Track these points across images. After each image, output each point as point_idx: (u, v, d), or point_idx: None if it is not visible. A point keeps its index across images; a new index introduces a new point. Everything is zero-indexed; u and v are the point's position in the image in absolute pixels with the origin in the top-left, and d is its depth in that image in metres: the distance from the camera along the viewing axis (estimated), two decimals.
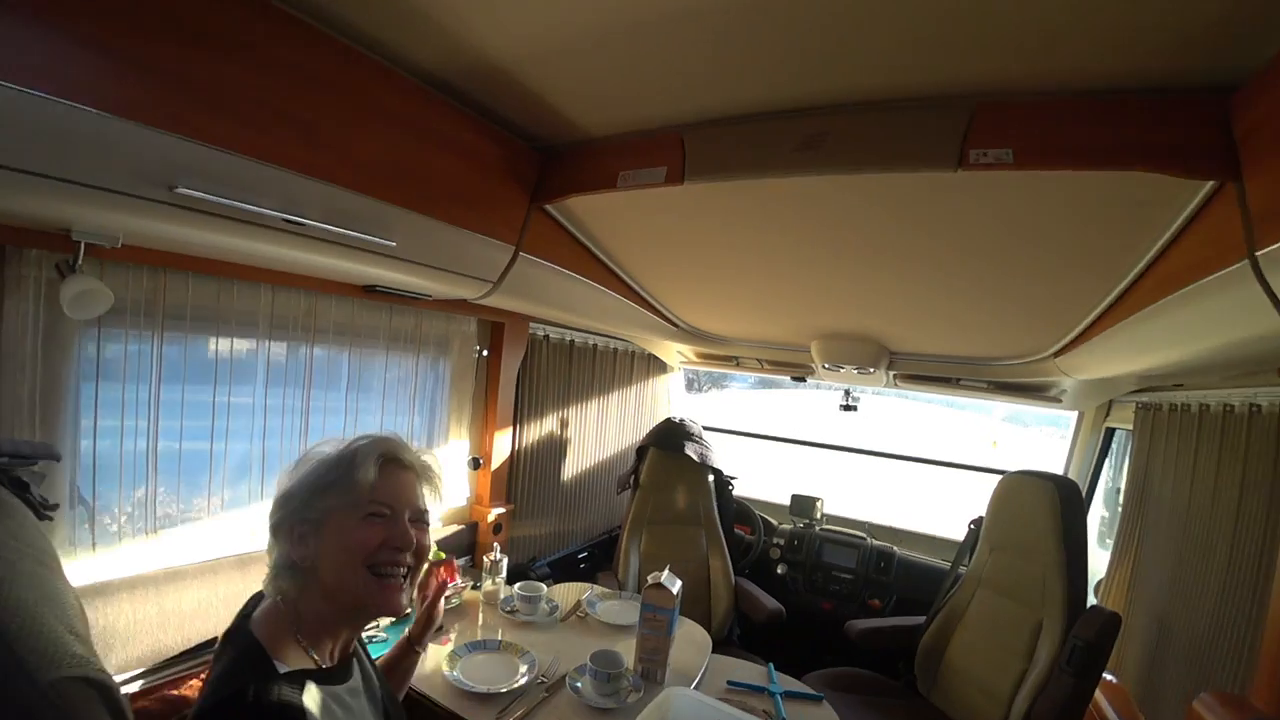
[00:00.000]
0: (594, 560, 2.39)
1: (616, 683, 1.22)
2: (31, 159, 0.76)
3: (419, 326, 1.69)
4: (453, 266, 1.33)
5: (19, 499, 0.59)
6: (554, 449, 2.24)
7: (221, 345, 1.26)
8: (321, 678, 0.75)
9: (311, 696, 0.71)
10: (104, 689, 0.42)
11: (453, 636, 1.42)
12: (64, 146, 0.77)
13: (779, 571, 2.42)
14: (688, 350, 2.48)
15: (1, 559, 0.44)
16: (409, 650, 1.11)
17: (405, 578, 0.83)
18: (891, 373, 2.14)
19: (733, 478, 2.39)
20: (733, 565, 2.19)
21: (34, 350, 1.01)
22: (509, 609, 1.52)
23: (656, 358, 2.81)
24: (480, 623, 1.51)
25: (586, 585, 1.76)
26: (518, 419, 2.04)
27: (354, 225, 1.09)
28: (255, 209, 0.97)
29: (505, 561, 1.63)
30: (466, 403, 1.87)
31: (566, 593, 1.71)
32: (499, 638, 1.36)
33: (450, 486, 1.84)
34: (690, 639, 1.54)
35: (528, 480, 2.11)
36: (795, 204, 1.21)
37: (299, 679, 0.71)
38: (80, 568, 1.08)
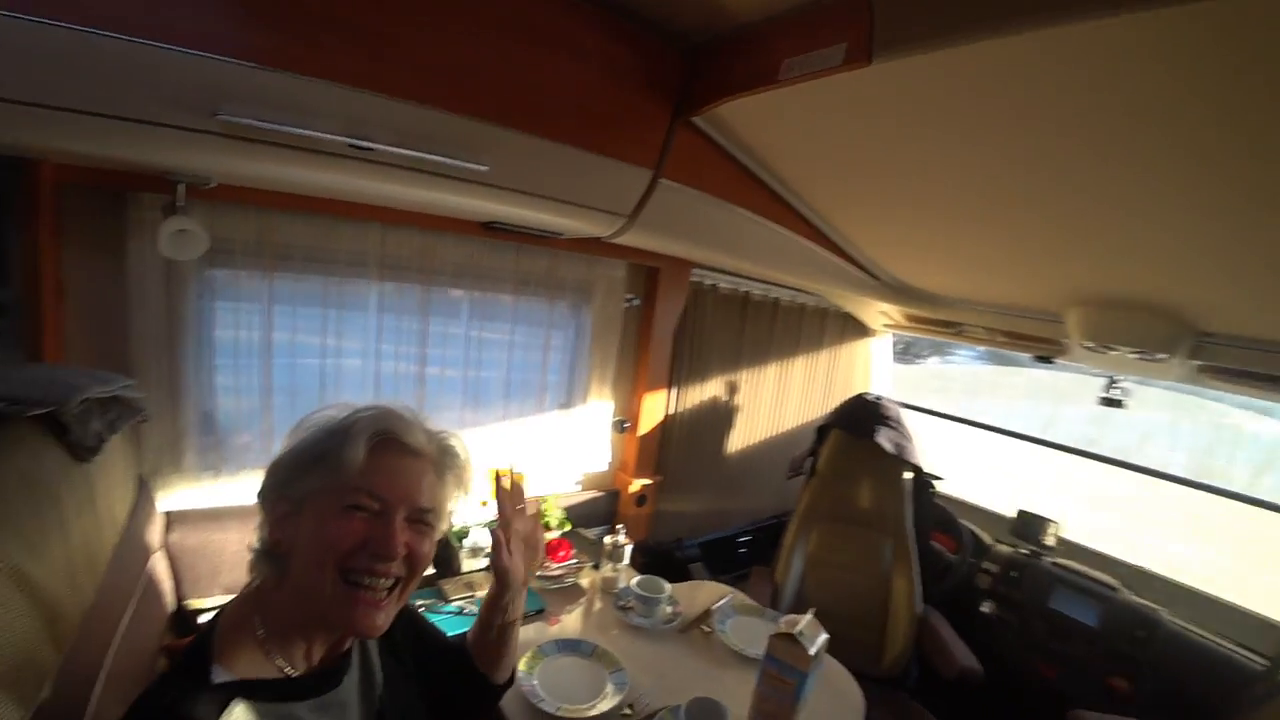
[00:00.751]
0: (756, 548, 2.11)
1: None
2: (82, 97, 0.71)
3: (553, 269, 1.51)
4: (570, 196, 1.13)
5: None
6: (718, 417, 1.97)
7: (331, 286, 1.22)
8: (272, 690, 0.62)
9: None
10: None
11: (563, 619, 1.31)
12: (113, 80, 0.71)
13: (984, 609, 1.85)
14: (893, 311, 1.95)
15: None
16: (494, 617, 0.85)
17: (391, 591, 0.66)
18: (1195, 362, 1.39)
19: (937, 478, 1.87)
20: (923, 589, 1.74)
21: (157, 289, 1.04)
22: (622, 604, 1.34)
23: (854, 318, 2.29)
24: (588, 612, 1.36)
25: (726, 590, 1.50)
26: (674, 379, 1.81)
27: (434, 148, 0.92)
28: (310, 133, 0.84)
29: (629, 548, 1.45)
30: (611, 357, 1.69)
31: (696, 596, 1.46)
32: (594, 642, 1.20)
33: (589, 448, 1.72)
34: (837, 692, 1.21)
35: (683, 450, 1.89)
36: (1051, 91, 0.70)
37: (228, 695, 0.58)
38: (201, 494, 1.17)
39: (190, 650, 0.63)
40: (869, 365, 2.46)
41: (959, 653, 1.57)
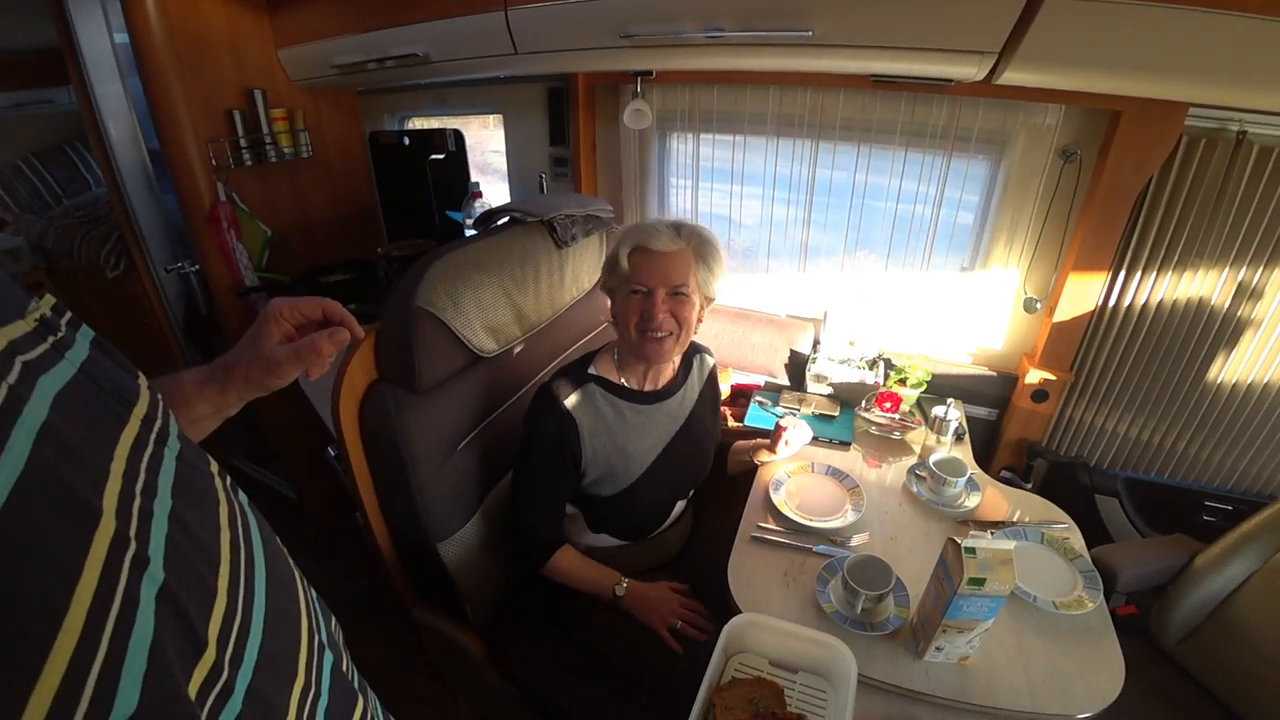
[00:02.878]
0: (1235, 520, 1.50)
1: (868, 604, 1.06)
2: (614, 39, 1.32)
3: (954, 119, 1.43)
4: (905, 41, 1.11)
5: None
6: (1199, 325, 1.42)
7: (738, 141, 1.65)
8: (613, 389, 1.20)
9: (579, 395, 1.18)
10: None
11: (882, 466, 1.49)
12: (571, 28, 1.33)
13: None
14: None
15: None
16: (750, 463, 1.41)
17: (669, 336, 1.14)
18: None
19: None
20: None
21: (633, 148, 1.74)
22: (918, 473, 1.40)
23: None
24: (883, 464, 1.49)
25: (1059, 516, 1.29)
26: (1126, 261, 1.43)
27: (761, 23, 1.16)
28: (678, 31, 1.23)
29: (955, 423, 1.44)
30: (1024, 222, 1.48)
31: (1010, 505, 1.33)
32: (857, 482, 1.36)
33: (983, 321, 1.66)
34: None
35: (1123, 354, 1.49)
36: None
37: (587, 380, 1.20)
38: None
39: (585, 356, 1.30)
40: None
41: None
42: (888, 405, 1.57)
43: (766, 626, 0.98)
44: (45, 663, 0.24)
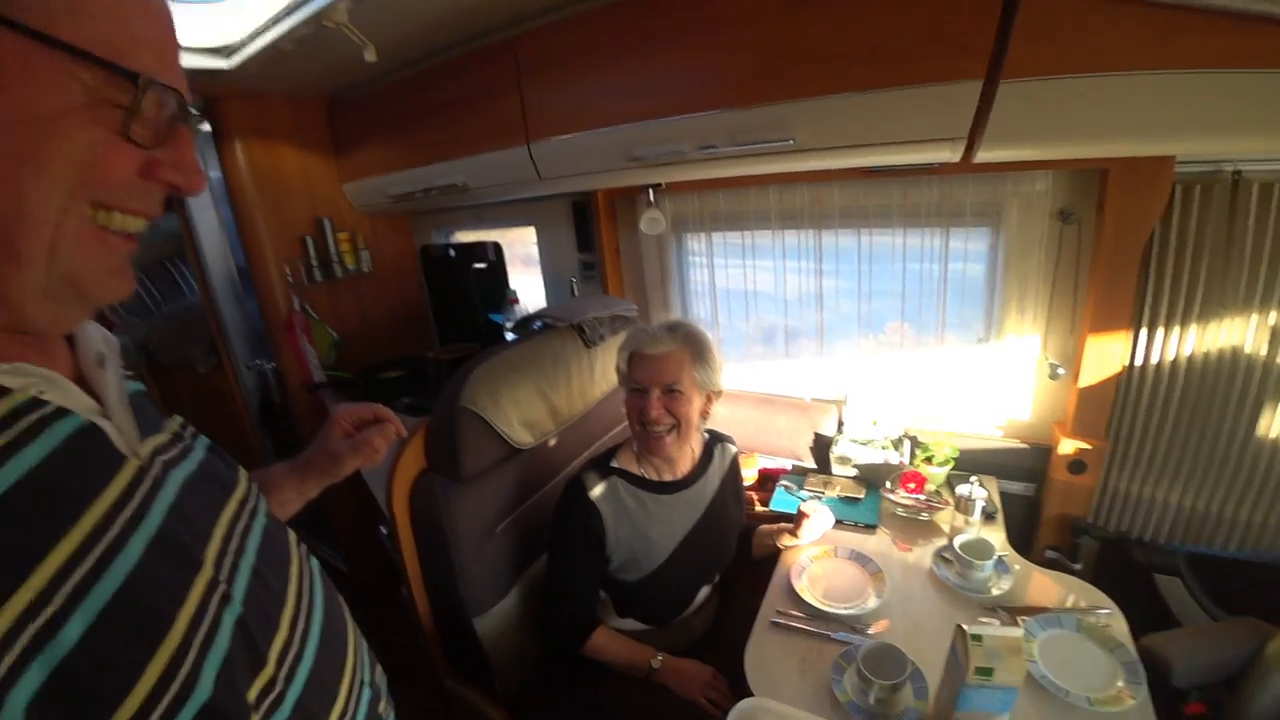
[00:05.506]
0: None
1: (881, 694, 1.08)
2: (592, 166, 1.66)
3: (946, 196, 1.61)
4: (877, 139, 1.31)
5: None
6: (1238, 378, 1.44)
7: (745, 236, 1.88)
8: (634, 480, 1.39)
9: (603, 487, 1.37)
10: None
11: (914, 550, 1.57)
12: (599, 155, 1.64)
13: None
14: None
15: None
16: (775, 547, 1.53)
17: (670, 431, 1.33)
18: None
19: None
20: None
21: (653, 250, 2.00)
22: (943, 554, 1.45)
23: None
24: (913, 547, 1.55)
25: (1102, 602, 1.30)
26: (1143, 318, 1.50)
27: (748, 137, 1.40)
28: (677, 150, 1.51)
29: (982, 503, 1.51)
30: (1032, 289, 1.59)
31: (1042, 589, 1.36)
32: (881, 566, 1.43)
33: (1006, 392, 1.75)
34: None
35: (1159, 416, 1.52)
36: None
37: (611, 473, 1.39)
38: None
39: (609, 450, 1.47)
40: None
41: None
42: (911, 485, 1.65)
43: (775, 712, 1.04)
44: (156, 652, 0.45)
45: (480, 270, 2.38)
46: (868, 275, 1.79)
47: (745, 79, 1.36)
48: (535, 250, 2.39)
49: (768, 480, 1.91)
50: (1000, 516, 1.61)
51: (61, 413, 0.48)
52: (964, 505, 1.54)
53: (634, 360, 1.35)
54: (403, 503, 1.39)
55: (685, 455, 1.45)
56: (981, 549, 1.40)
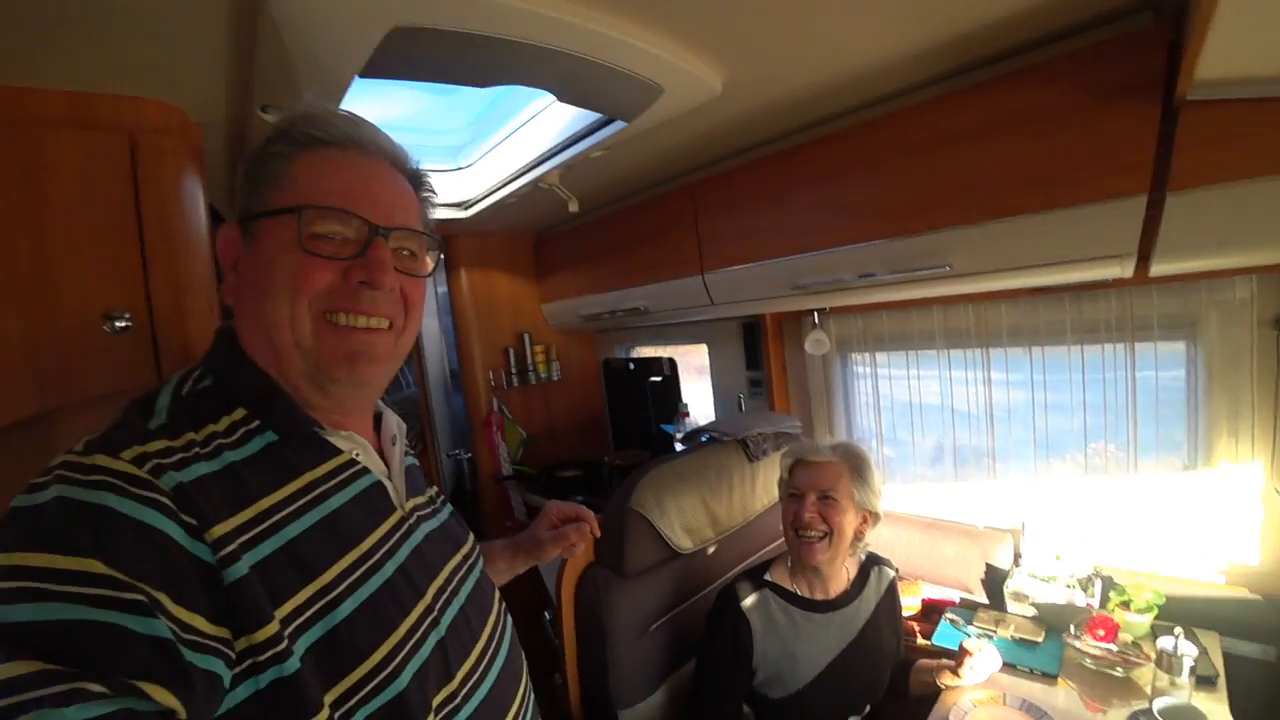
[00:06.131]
0: None
1: None
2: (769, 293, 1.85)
3: (1126, 309, 1.57)
4: (1039, 260, 1.34)
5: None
6: None
7: (910, 355, 1.94)
8: (785, 595, 1.46)
9: (755, 598, 1.45)
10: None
11: (1106, 713, 1.43)
12: (759, 286, 1.83)
13: None
14: None
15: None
16: (936, 684, 1.45)
17: (824, 538, 1.39)
18: None
19: None
20: None
21: (818, 368, 2.11)
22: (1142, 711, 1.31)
23: None
24: (1107, 707, 1.38)
25: None
26: None
27: (905, 265, 1.51)
28: (838, 278, 1.67)
29: (1191, 662, 1.33)
30: (1247, 407, 1.45)
31: None
32: None
33: (1226, 531, 1.57)
34: None
35: None
36: None
37: (763, 585, 1.47)
38: None
39: (764, 563, 1.55)
40: None
41: None
42: (1101, 633, 1.50)
43: None
44: (383, 642, 0.64)
45: (656, 383, 2.65)
46: (1042, 393, 1.75)
47: (900, 211, 1.49)
48: (707, 365, 2.61)
49: (932, 612, 1.82)
50: (1222, 682, 1.40)
51: (364, 471, 0.74)
52: (1168, 662, 1.38)
53: (795, 467, 1.47)
54: (570, 590, 1.57)
55: (838, 573, 1.49)
56: (1189, 717, 1.25)
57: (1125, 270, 1.27)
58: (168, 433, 0.60)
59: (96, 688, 0.44)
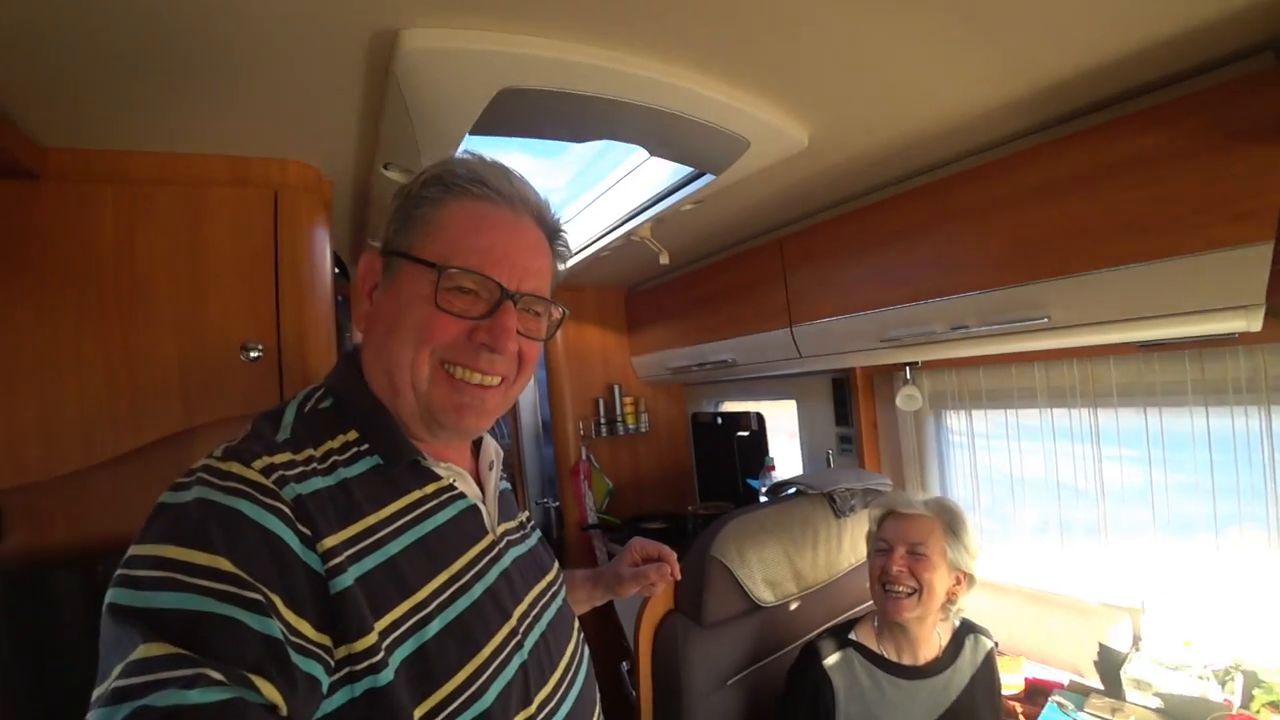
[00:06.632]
0: None
1: None
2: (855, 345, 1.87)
3: (1259, 368, 1.44)
4: (1149, 311, 1.27)
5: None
6: None
7: (1009, 416, 1.86)
8: (871, 657, 1.42)
9: (838, 656, 1.42)
10: None
11: None
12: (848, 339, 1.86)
13: None
14: None
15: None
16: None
17: (912, 595, 1.35)
18: None
19: None
20: None
21: (909, 425, 2.07)
22: None
23: None
24: None
25: None
26: None
27: (1000, 317, 1.47)
28: (929, 331, 1.64)
29: None
30: None
31: None
32: None
33: None
34: None
35: None
36: None
37: (848, 644, 1.44)
38: None
39: (850, 621, 1.52)
40: None
41: None
42: None
43: None
44: (469, 661, 0.67)
45: (743, 438, 2.67)
46: (1162, 472, 1.63)
47: (993, 262, 1.46)
48: (795, 421, 2.60)
49: (1037, 694, 1.68)
50: None
51: (461, 496, 0.80)
52: None
53: (885, 519, 1.44)
54: (648, 635, 1.58)
55: (929, 637, 1.42)
56: None
57: (1252, 324, 1.18)
58: (291, 446, 0.66)
59: (216, 675, 0.48)
